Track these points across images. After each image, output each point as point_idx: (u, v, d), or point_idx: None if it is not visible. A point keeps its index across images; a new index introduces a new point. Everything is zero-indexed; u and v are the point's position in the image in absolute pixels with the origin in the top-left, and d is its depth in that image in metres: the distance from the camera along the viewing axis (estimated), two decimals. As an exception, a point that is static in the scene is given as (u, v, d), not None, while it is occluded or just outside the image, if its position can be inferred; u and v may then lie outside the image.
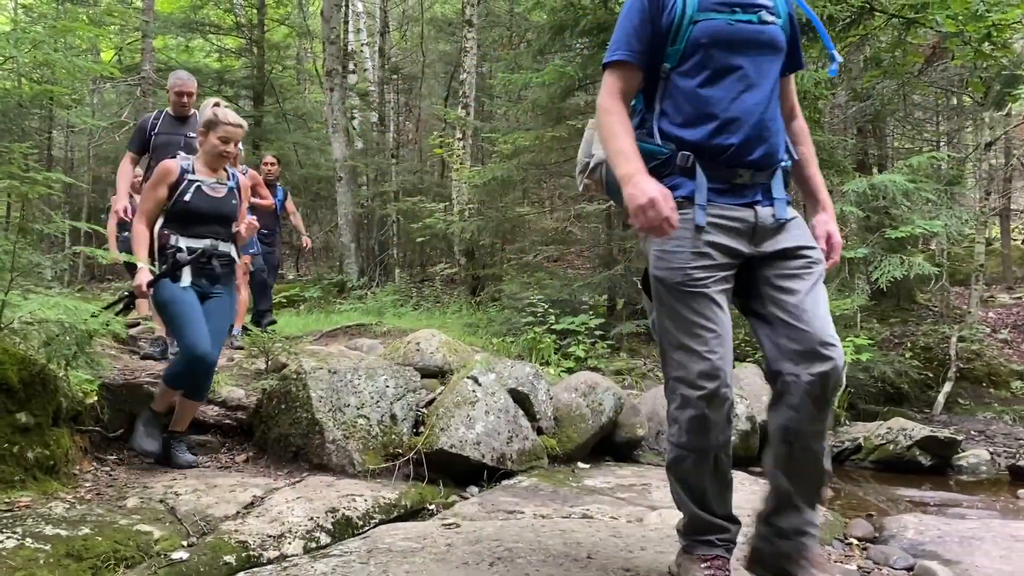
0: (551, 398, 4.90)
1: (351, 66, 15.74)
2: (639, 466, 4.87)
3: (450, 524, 2.79)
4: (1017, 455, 5.53)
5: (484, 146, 8.24)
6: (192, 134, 4.29)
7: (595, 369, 6.18)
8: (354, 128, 16.28)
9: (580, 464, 4.73)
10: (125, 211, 5.04)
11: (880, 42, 8.42)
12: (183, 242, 3.79)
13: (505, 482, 4.14)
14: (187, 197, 3.79)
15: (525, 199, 12.49)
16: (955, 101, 11.25)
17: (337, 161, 13.01)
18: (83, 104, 13.64)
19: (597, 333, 6.67)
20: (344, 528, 3.27)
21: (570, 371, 6.00)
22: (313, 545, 3.06)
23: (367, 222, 14.42)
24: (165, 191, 3.78)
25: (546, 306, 6.88)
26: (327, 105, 13.48)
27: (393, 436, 4.18)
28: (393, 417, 4.24)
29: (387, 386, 4.29)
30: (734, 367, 6.36)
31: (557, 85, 7.01)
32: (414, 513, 3.74)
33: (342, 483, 3.73)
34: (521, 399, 4.71)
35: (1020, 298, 12.46)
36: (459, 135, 12.06)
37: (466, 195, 10.90)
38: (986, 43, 7.74)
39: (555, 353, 6.43)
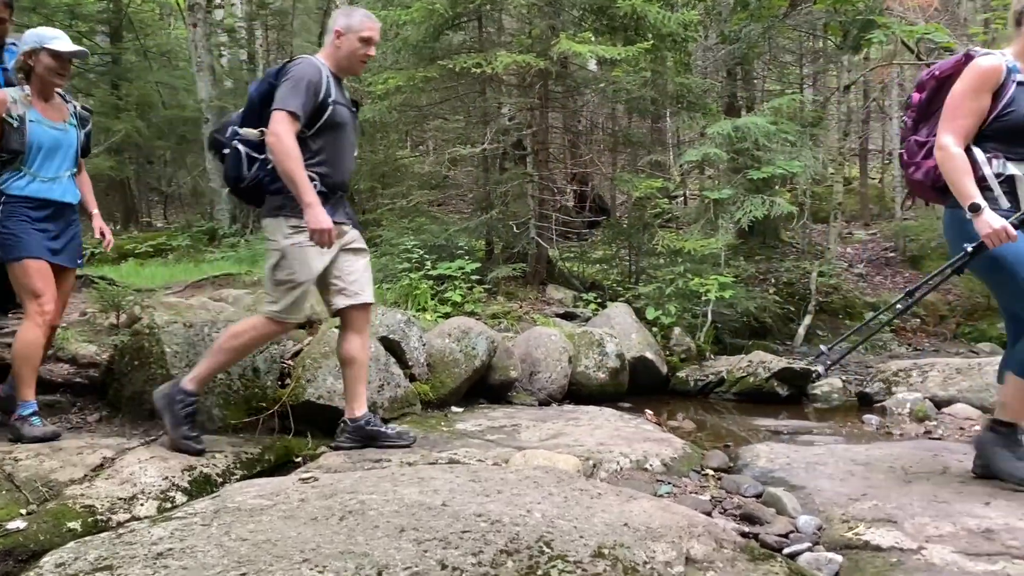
0: (424, 344, 4.87)
1: (216, 0, 14.86)
2: (512, 407, 4.94)
3: (308, 478, 2.73)
4: (865, 382, 5.90)
5: (359, 87, 7.97)
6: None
7: (472, 314, 6.17)
8: (221, 67, 15.44)
9: (454, 408, 4.75)
10: None
11: (747, -15, 8.60)
12: None
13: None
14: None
15: (405, 142, 12.25)
16: (819, 45, 11.63)
17: (203, 101, 12.33)
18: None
19: (474, 278, 6.66)
20: (202, 486, 3.16)
21: (447, 316, 5.97)
22: (168, 505, 2.95)
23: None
24: None
25: (422, 252, 6.79)
26: (191, 42, 12.71)
27: (256, 390, 4.06)
28: (256, 370, 4.11)
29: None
30: (605, 307, 6.45)
31: (428, 23, 6.82)
32: (280, 466, 3.66)
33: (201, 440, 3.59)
34: (393, 347, 4.66)
35: (875, 234, 13.25)
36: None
37: (341, 138, 10.57)
38: (844, -12, 8.03)
39: (432, 299, 6.38)
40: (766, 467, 3.56)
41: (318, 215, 3.27)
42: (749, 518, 2.88)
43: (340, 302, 3.59)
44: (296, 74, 3.37)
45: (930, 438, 4.40)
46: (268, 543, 2.05)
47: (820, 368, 3.20)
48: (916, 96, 3.25)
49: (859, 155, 15.67)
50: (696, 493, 3.23)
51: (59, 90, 3.71)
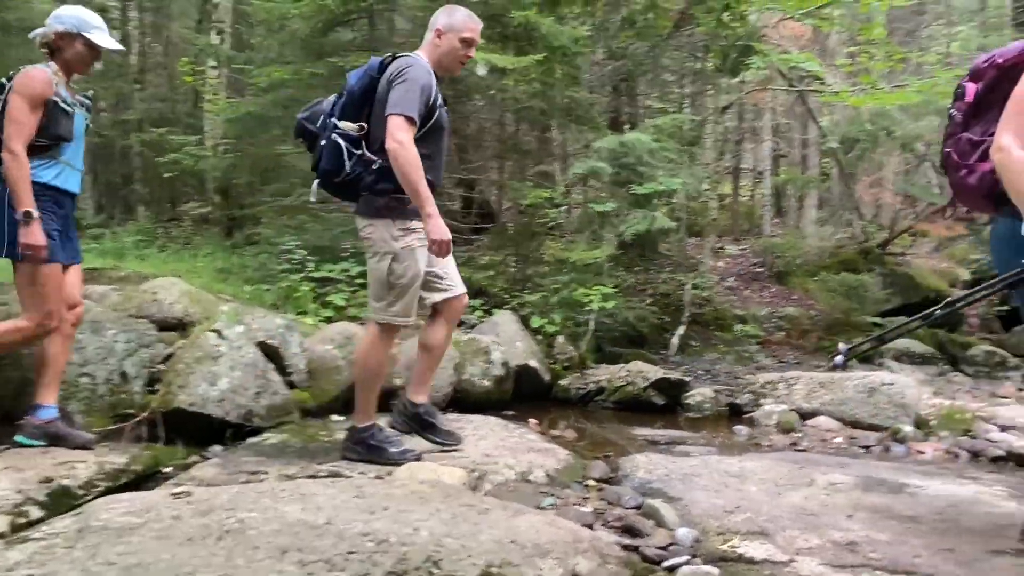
0: (305, 350, 4.73)
1: (86, -25, 13.95)
2: (395, 416, 4.86)
3: (181, 493, 2.58)
4: (735, 393, 6.15)
5: (241, 78, 7.67)
6: None
7: (355, 318, 6.04)
8: (90, 46, 14.52)
9: (335, 417, 4.62)
10: None
11: (635, 4, 8.83)
12: None
13: (251, 440, 3.94)
14: None
15: (288, 137, 11.87)
16: (700, 66, 12.08)
17: (69, 83, 11.55)
18: None
19: (358, 281, 6.52)
20: (61, 500, 2.94)
21: (329, 320, 5.82)
22: (23, 521, 2.73)
23: (106, 153, 13.03)
24: None
25: (304, 252, 6.60)
26: (55, 18, 11.87)
27: (123, 396, 3.83)
28: (123, 375, 3.88)
29: (116, 341, 3.90)
30: (491, 314, 6.45)
31: (317, 18, 6.64)
32: (147, 478, 3.46)
33: (60, 449, 3.36)
34: (271, 352, 4.50)
35: (745, 249, 13.89)
36: (212, 63, 11.14)
37: (221, 129, 10.14)
38: (726, 13, 8.38)
39: (313, 302, 6.20)
40: (645, 478, 3.65)
41: (440, 226, 3.24)
42: (630, 530, 2.93)
43: (438, 297, 3.62)
44: (412, 77, 3.27)
45: (796, 449, 4.63)
46: (140, 567, 1.92)
47: (838, 360, 3.05)
48: (971, 87, 2.79)
49: (732, 173, 16.41)
50: (579, 505, 3.26)
51: None
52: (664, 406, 5.92)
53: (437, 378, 5.18)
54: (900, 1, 9.42)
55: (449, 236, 3.30)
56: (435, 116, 3.39)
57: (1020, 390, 6.65)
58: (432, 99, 3.35)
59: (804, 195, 13.38)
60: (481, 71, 8.99)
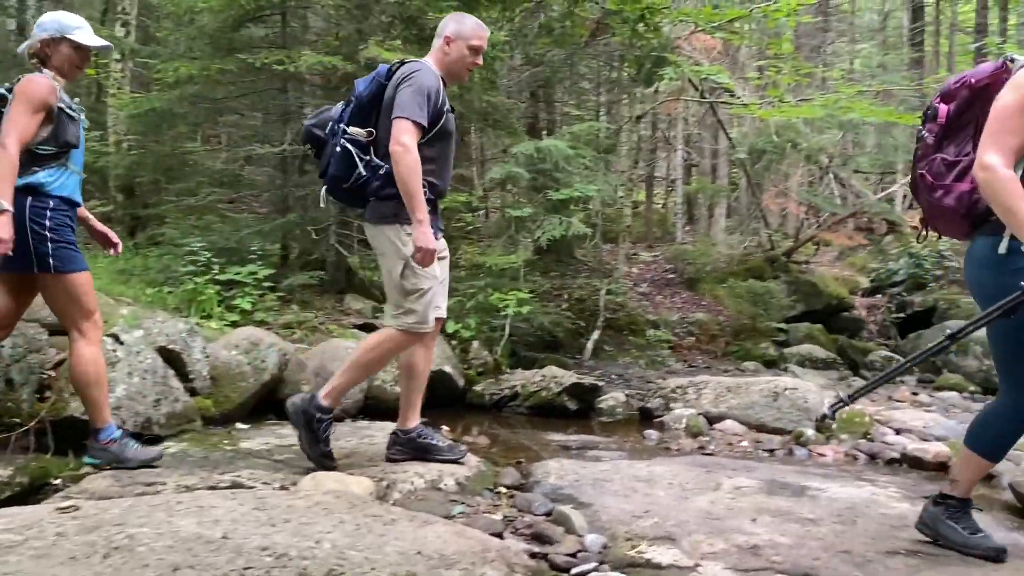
0: (208, 356, 4.55)
1: (-21, -41, 13.20)
2: (304, 423, 4.73)
3: (68, 507, 2.43)
4: (646, 397, 6.24)
5: (147, 72, 7.37)
6: None
7: (262, 323, 5.87)
8: (-17, 34, 13.75)
9: (239, 425, 4.47)
10: None
11: (553, 11, 8.90)
12: None
13: (151, 447, 3.76)
14: None
15: (197, 135, 11.49)
16: (615, 75, 12.26)
17: (-42, 72, 10.90)
18: None
19: (267, 285, 6.34)
20: (-66, 517, 2.74)
21: (235, 325, 5.63)
22: None
23: None
24: None
25: (210, 254, 6.37)
26: (-57, 2, 11.22)
27: (9, 404, 3.61)
28: (9, 382, 3.65)
29: (2, 346, 3.67)
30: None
31: (227, 13, 6.44)
32: (35, 490, 3.27)
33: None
34: (172, 358, 4.32)
35: (658, 256, 14.16)
36: (117, 56, 10.70)
37: (124, 125, 9.73)
38: (640, 24, 8.52)
39: (219, 306, 5.99)
40: (556, 484, 3.65)
41: (427, 234, 3.23)
42: (540, 538, 2.92)
43: None
44: (418, 81, 3.27)
45: (703, 453, 4.72)
46: (12, 591, 1.79)
47: (828, 411, 2.92)
48: (943, 108, 2.74)
49: (646, 181, 16.72)
50: (489, 513, 3.23)
51: None
52: (577, 411, 5.95)
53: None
54: (806, 17, 9.77)
55: (434, 246, 3.27)
56: (442, 121, 3.38)
57: (915, 394, 6.96)
58: (439, 104, 3.35)
59: (714, 204, 13.74)
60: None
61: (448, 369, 5.89)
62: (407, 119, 3.21)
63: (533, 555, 2.69)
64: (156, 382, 4.05)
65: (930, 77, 13.48)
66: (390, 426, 4.59)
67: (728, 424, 5.31)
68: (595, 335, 8.81)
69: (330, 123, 3.52)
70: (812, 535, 2.83)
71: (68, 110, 3.26)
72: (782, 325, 10.10)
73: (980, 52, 15.70)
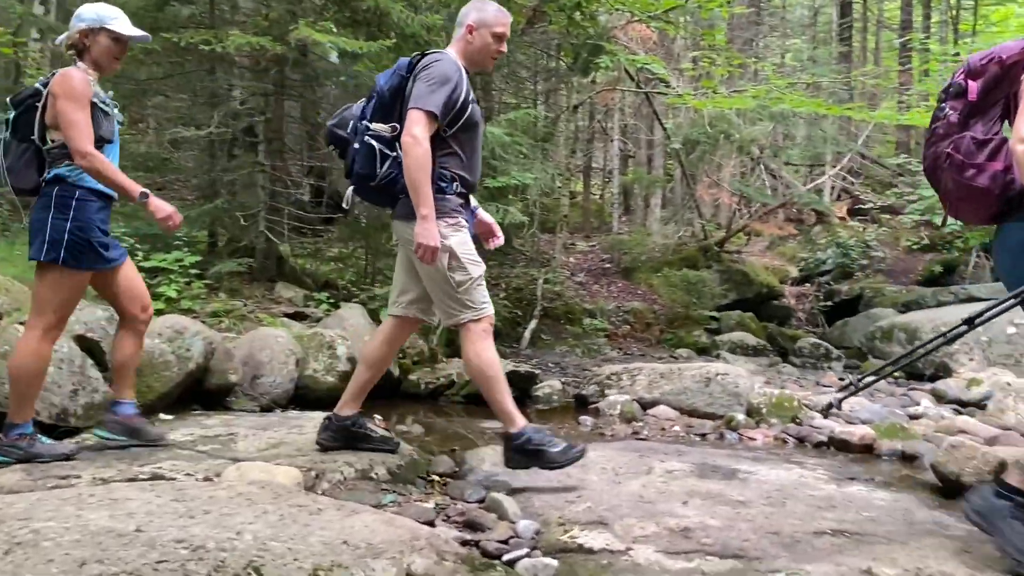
0: (129, 344, 4.37)
1: None
2: (230, 414, 4.59)
3: (-32, 504, 2.29)
4: (581, 385, 6.25)
5: (67, 52, 7.02)
6: None
7: (189, 311, 5.68)
8: None
9: (163, 416, 4.32)
10: None
11: (489, -2, 8.83)
12: None
13: (66, 441, 3.60)
14: None
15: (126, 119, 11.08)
16: (553, 64, 12.26)
17: None
18: None
19: (193, 272, 6.15)
20: None
21: (160, 313, 5.42)
22: None
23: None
24: None
25: (133, 240, 6.14)
26: None
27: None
28: (-90, 373, 3.44)
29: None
30: (338, 307, 6.25)
31: (152, -10, 6.21)
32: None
33: None
34: (91, 347, 4.15)
35: (595, 246, 14.26)
36: (35, 35, 10.26)
37: (43, 107, 9.32)
38: (577, 12, 8.51)
39: (143, 293, 5.78)
40: (490, 471, 3.61)
41: (432, 231, 3.12)
42: (472, 525, 2.88)
43: (397, 311, 3.54)
44: (436, 71, 3.15)
45: (637, 438, 4.74)
46: (-101, 593, 1.67)
47: (835, 400, 2.74)
48: (973, 85, 2.61)
49: (583, 171, 16.80)
50: (421, 501, 3.18)
51: None
52: (514, 398, 5.90)
53: (275, 373, 4.98)
54: (740, 8, 9.90)
55: (437, 244, 3.15)
56: (467, 113, 3.24)
57: (841, 379, 7.14)
58: (462, 95, 3.21)
59: (650, 194, 13.88)
60: (333, 58, 8.73)
61: (382, 358, 5.79)
62: (420, 109, 3.09)
63: (464, 543, 2.65)
64: (73, 372, 3.88)
65: (857, 71, 13.86)
66: (320, 416, 4.49)
67: (661, 409, 5.35)
68: (532, 324, 8.82)
69: (352, 121, 3.41)
70: (742, 517, 2.85)
71: (102, 104, 3.27)
72: (714, 313, 10.27)
73: (905, 47, 16.23)
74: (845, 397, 2.96)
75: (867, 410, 5.25)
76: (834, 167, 13.67)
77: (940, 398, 6.06)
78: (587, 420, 5.27)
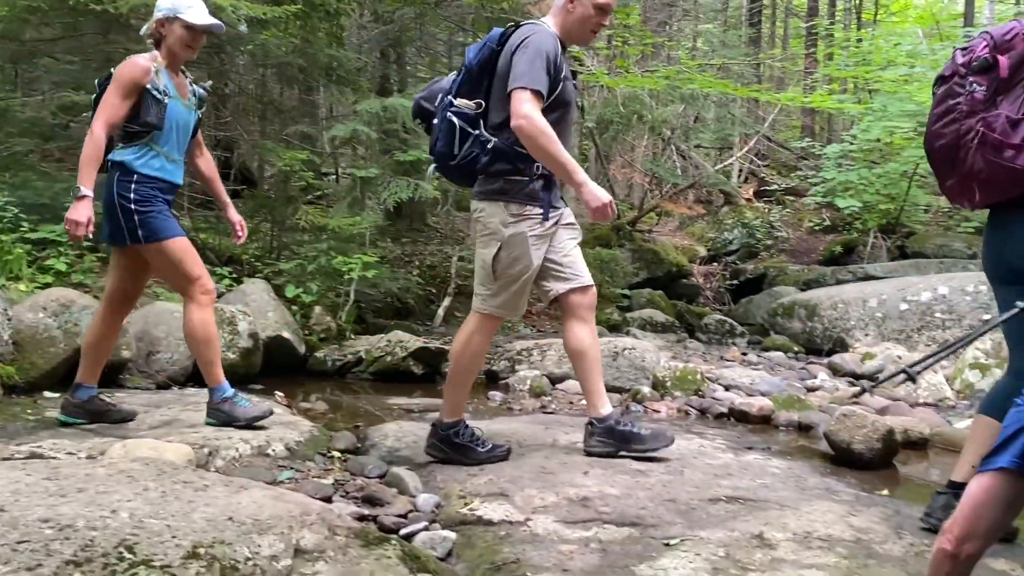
0: (10, 319, 4.13)
1: None
2: (124, 391, 4.39)
3: None
4: (492, 360, 6.22)
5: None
6: None
7: (80, 285, 5.40)
8: None
9: (47, 393, 4.10)
10: None
11: (402, -32, 8.64)
12: None
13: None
14: None
15: (15, 82, 10.42)
16: (467, 39, 12.12)
17: None
18: None
19: (85, 244, 5.83)
20: None
21: (48, 287, 5.14)
22: None
23: None
24: None
25: (18, 210, 5.79)
26: None
27: None
28: None
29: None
30: (241, 283, 6.04)
31: (36, -57, 5.80)
32: None
33: None
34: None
35: (510, 224, 14.23)
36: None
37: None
38: (490, -14, 8.41)
39: (29, 266, 5.45)
40: (393, 446, 3.56)
41: (596, 191, 2.97)
42: (371, 500, 2.82)
43: (558, 287, 3.24)
44: (535, 46, 2.97)
45: (545, 412, 4.76)
46: None
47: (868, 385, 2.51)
48: (1003, 60, 2.42)
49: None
50: (319, 477, 3.11)
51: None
52: (424, 375, 5.86)
53: (172, 350, 4.80)
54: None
55: (609, 197, 3.02)
56: (560, 89, 3.05)
57: (744, 354, 7.34)
58: (558, 70, 3.03)
59: (565, 173, 13.89)
60: (243, 28, 8.42)
61: (287, 335, 5.64)
62: (525, 88, 2.91)
63: (362, 518, 2.60)
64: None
65: (765, 54, 14.20)
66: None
67: (570, 384, 5.39)
68: (446, 302, 8.73)
69: (439, 95, 3.22)
70: (641, 485, 2.88)
71: (155, 91, 3.29)
72: (626, 291, 10.40)
73: (811, 33, 16.73)
74: (881, 382, 2.90)
75: (767, 383, 5.41)
76: (742, 149, 14.00)
77: (836, 371, 6.30)
78: (496, 395, 5.27)
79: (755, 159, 15.60)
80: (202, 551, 1.83)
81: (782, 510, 2.68)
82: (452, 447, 3.24)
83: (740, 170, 15.15)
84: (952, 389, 5.59)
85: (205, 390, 4.46)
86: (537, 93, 2.95)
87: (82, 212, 3.19)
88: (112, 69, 3.35)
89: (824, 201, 12.40)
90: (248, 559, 1.88)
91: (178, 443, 3.06)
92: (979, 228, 12.47)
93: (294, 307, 6.22)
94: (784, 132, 18.38)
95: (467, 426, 3.31)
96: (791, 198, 14.28)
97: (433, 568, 2.18)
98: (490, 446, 3.29)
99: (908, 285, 7.90)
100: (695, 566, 2.15)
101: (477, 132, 3.11)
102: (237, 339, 5.15)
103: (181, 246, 3.38)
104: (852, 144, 12.27)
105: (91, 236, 3.28)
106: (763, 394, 5.05)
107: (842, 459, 3.69)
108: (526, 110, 2.91)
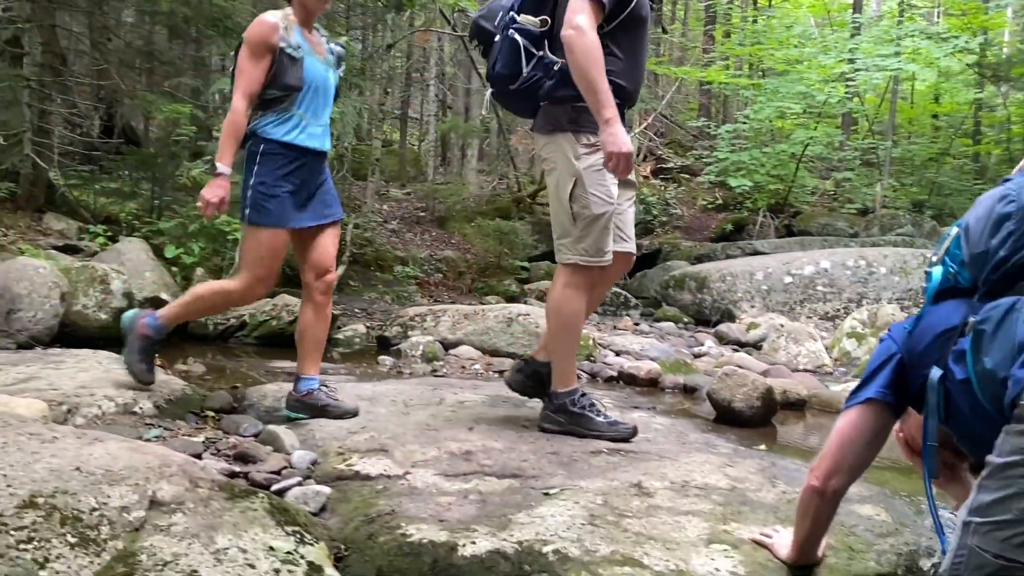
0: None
1: None
2: (-23, 351, 4.07)
3: None
4: (384, 327, 6.12)
5: None
6: None
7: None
8: None
9: None
10: None
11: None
12: None
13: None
14: None
15: None
16: (368, 1, 11.80)
17: None
18: None
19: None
20: None
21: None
22: None
23: None
24: None
25: None
26: None
27: None
28: None
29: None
30: (117, 242, 5.74)
31: None
32: None
33: None
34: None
35: (410, 194, 14.05)
36: None
37: None
38: (391, -55, 8.19)
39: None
40: (272, 406, 3.43)
41: (620, 135, 2.60)
42: (243, 457, 2.69)
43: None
44: None
45: (435, 376, 4.69)
46: None
47: None
48: None
49: (400, 119, 16.46)
50: (190, 436, 2.94)
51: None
52: (313, 342, 5.68)
53: (36, 308, 4.49)
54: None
55: (631, 148, 2.67)
56: (632, 4, 2.70)
57: (636, 324, 7.46)
58: None
59: (466, 144, 13.83)
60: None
61: (165, 297, 5.36)
62: None
63: (233, 475, 2.46)
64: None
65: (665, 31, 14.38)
66: (86, 353, 4.11)
67: (463, 349, 5.34)
68: (340, 270, 8.51)
69: (500, 13, 2.92)
70: (525, 440, 2.85)
71: (290, 50, 2.98)
72: (525, 263, 10.43)
73: (709, 11, 17.10)
74: None
75: (656, 349, 5.51)
76: (640, 126, 14.21)
77: (722, 339, 6.48)
78: (387, 360, 5.17)
79: (654, 137, 15.87)
80: (41, 501, 1.68)
81: (661, 461, 2.70)
82: (568, 416, 2.95)
83: (639, 148, 15.39)
84: (830, 357, 5.84)
85: (73, 350, 4.22)
86: (596, 3, 2.63)
87: (215, 191, 3.00)
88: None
89: (718, 180, 12.73)
90: (94, 509, 1.74)
91: (32, 399, 2.84)
92: (860, 210, 13.09)
93: (174, 268, 5.92)
94: (682, 113, 18.78)
95: (584, 394, 3.03)
96: (686, 176, 14.63)
97: (303, 521, 2.07)
98: (612, 418, 3.02)
99: (792, 259, 8.20)
100: (572, 513, 2.13)
101: (541, 53, 2.81)
102: (110, 298, 4.87)
103: (270, 239, 3.08)
104: (744, 124, 12.64)
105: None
106: (652, 359, 5.13)
107: (723, 417, 3.78)
108: (579, 21, 2.59)
